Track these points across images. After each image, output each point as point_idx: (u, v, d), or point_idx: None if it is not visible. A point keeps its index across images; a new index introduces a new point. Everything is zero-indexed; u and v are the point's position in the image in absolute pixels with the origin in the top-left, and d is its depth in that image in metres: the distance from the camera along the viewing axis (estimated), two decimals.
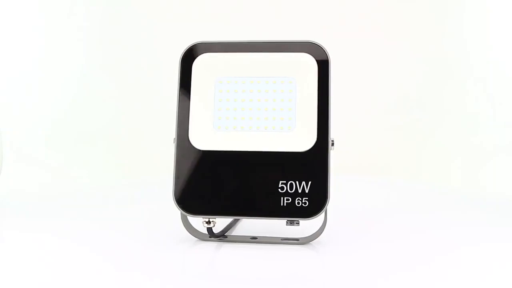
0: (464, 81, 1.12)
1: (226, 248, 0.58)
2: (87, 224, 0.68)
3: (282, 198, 0.56)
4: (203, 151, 0.58)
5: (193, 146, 0.58)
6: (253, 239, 0.60)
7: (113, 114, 1.13)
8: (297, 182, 0.56)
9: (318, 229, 0.58)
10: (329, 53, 0.58)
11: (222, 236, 0.60)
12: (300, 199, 0.56)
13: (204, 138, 0.59)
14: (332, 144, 0.57)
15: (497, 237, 0.65)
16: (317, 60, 0.58)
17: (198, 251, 0.58)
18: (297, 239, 0.59)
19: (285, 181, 0.57)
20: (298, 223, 0.56)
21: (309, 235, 0.59)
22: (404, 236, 0.64)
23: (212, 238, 0.59)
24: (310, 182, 0.56)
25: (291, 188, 0.56)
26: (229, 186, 0.58)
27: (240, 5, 1.18)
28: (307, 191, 0.56)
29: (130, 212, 0.75)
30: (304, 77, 0.58)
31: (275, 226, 0.61)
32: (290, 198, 0.56)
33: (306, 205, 0.56)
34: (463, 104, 1.11)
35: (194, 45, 0.61)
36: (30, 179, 0.93)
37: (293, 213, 0.56)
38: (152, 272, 0.51)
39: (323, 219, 0.58)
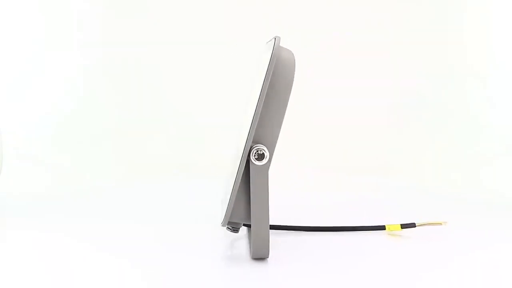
0: (464, 81, 1.12)
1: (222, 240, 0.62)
2: (88, 223, 0.69)
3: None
4: None
5: None
6: None
7: (117, 113, 1.13)
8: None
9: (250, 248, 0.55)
10: (277, 47, 0.51)
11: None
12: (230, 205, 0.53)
13: None
14: (258, 157, 0.51)
15: (498, 239, 0.65)
16: (271, 56, 0.51)
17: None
18: None
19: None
20: (236, 230, 0.55)
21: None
22: (398, 246, 0.63)
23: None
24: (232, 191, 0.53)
25: None
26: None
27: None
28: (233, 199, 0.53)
29: (133, 211, 0.76)
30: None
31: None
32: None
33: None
34: (464, 105, 1.10)
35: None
36: (31, 179, 0.93)
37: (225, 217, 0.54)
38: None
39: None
